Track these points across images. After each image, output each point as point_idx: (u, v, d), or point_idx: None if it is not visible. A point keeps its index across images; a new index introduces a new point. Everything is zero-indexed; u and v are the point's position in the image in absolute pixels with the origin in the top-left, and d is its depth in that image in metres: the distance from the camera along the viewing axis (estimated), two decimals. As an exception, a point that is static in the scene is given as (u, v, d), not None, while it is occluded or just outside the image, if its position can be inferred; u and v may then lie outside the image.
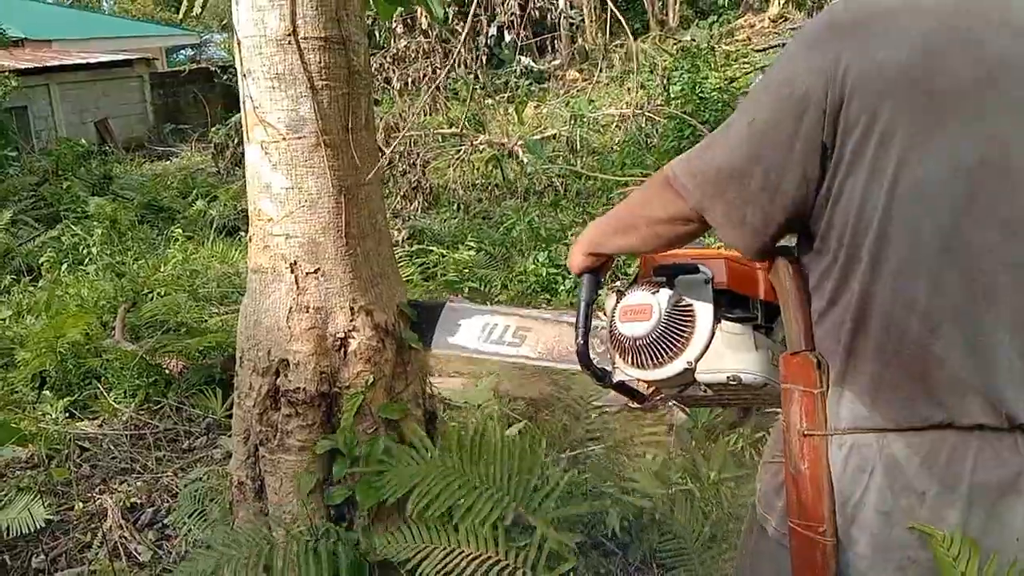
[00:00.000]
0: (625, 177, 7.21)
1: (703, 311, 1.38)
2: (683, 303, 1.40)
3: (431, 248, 6.04)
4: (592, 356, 1.57)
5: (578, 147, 9.02)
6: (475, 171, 8.58)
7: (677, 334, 1.38)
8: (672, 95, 9.27)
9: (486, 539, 2.00)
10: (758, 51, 13.17)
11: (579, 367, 1.67)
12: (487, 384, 3.48)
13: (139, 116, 16.99)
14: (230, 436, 2.51)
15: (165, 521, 3.00)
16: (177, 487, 3.17)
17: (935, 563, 1.09)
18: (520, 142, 8.38)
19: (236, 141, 9.62)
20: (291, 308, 2.19)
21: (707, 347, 1.36)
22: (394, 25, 8.68)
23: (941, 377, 1.08)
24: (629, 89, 12.25)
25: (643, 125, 9.17)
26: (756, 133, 1.12)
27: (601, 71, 13.89)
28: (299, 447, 2.21)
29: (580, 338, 1.55)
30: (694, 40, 11.83)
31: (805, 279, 1.21)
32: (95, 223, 7.27)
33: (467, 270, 5.57)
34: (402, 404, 2.31)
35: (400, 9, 2.69)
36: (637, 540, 2.54)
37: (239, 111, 2.28)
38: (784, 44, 12.66)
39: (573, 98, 12.23)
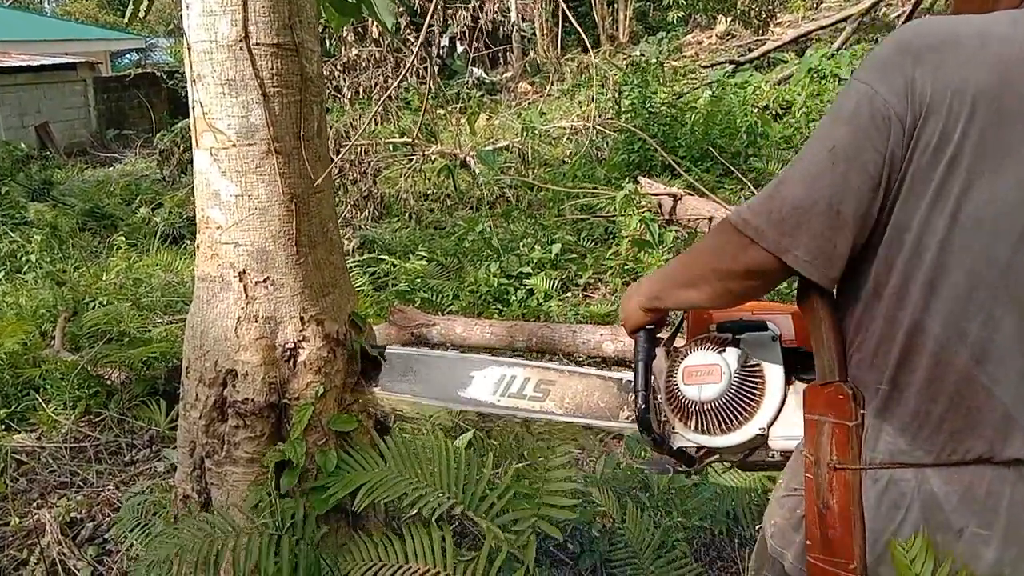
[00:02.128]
0: (576, 189, 7.27)
1: (773, 372, 1.32)
2: (752, 363, 1.33)
3: (382, 257, 6.00)
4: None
5: (529, 159, 9.06)
6: (427, 181, 8.57)
7: (748, 397, 1.31)
8: (622, 109, 9.39)
9: (435, 552, 1.97)
10: (705, 67, 13.41)
11: (617, 424, 1.57)
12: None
13: (82, 121, 16.58)
14: (174, 448, 2.46)
15: (106, 536, 2.92)
16: (119, 501, 3.10)
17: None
18: (472, 153, 8.40)
19: (182, 147, 9.45)
20: (239, 317, 2.15)
21: (779, 411, 1.30)
22: (344, 33, 8.63)
23: (987, 410, 1.07)
24: (580, 102, 12.39)
25: (594, 138, 9.27)
26: (840, 159, 1.08)
27: (552, 84, 14.04)
28: (247, 459, 2.18)
29: (640, 402, 1.43)
30: (643, 55, 12.01)
31: (837, 307, 1.18)
32: (34, 230, 7.08)
33: (418, 280, 5.55)
34: (353, 415, 2.28)
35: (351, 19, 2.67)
36: (588, 549, 2.55)
37: (185, 116, 2.23)
38: (730, 60, 12.93)
39: (525, 110, 12.33)
